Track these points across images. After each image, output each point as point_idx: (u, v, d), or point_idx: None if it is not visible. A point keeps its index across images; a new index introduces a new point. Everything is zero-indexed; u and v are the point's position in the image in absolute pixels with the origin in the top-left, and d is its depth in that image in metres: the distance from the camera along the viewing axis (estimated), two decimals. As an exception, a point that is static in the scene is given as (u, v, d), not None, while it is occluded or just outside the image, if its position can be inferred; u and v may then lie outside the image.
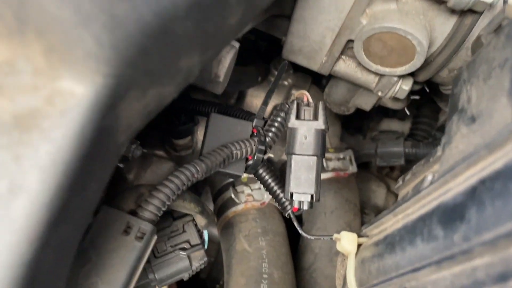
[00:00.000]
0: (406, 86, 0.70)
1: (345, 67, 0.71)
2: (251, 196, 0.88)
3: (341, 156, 1.00)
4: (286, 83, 0.99)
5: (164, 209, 0.55)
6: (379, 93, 0.72)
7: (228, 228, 0.87)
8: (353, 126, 1.22)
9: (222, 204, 0.90)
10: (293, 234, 0.89)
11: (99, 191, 0.36)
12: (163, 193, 0.54)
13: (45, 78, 0.30)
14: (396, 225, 0.45)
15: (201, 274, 1.18)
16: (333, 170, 0.98)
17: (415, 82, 0.71)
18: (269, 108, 1.01)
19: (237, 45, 0.63)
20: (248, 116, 0.71)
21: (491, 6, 0.55)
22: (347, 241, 0.51)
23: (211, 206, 0.96)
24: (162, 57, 0.33)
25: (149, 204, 0.54)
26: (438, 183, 0.38)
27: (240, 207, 0.87)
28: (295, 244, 0.98)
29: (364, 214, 1.12)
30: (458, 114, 0.42)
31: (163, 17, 0.30)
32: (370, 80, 0.72)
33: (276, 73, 0.96)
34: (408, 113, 0.93)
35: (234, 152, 0.62)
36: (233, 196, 0.87)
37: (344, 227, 0.95)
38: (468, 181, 0.34)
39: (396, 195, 1.23)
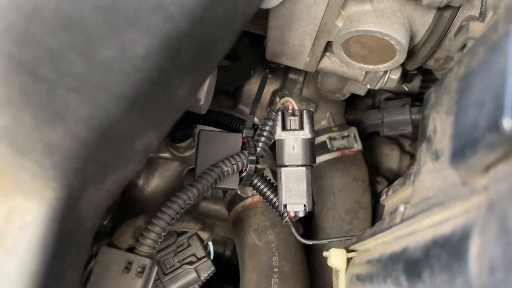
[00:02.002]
0: (394, 75, 0.68)
1: (330, 63, 0.70)
2: (257, 190, 0.90)
3: (345, 133, 1.00)
4: (282, 66, 0.97)
5: (161, 240, 0.57)
6: (368, 86, 0.70)
7: (238, 222, 0.90)
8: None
9: (231, 199, 0.92)
10: (304, 218, 0.91)
11: (78, 272, 0.39)
12: (158, 226, 0.57)
13: (0, 199, 0.31)
14: (376, 250, 0.46)
15: (226, 252, 1.23)
16: (338, 149, 0.98)
17: (404, 70, 0.69)
18: (268, 93, 1.00)
19: (214, 63, 0.62)
20: (239, 123, 0.71)
21: (468, 0, 0.52)
22: (336, 258, 0.53)
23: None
24: (112, 152, 0.34)
25: (146, 239, 0.56)
26: (405, 223, 0.39)
27: (247, 202, 0.89)
28: (308, 225, 1.01)
29: (376, 183, 1.13)
30: (426, 143, 0.42)
31: (100, 129, 0.31)
32: (358, 73, 0.70)
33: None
34: (406, 89, 0.91)
35: (225, 169, 0.63)
36: (239, 191, 0.89)
37: (353, 205, 0.97)
38: (426, 231, 0.34)
39: (411, 154, 1.22)
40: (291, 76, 0.97)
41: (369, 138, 1.14)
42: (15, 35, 0.25)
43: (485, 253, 0.26)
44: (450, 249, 0.29)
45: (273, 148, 0.95)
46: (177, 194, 0.59)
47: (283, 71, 0.98)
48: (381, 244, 0.46)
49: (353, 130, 1.00)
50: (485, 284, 0.25)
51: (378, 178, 1.16)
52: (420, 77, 1.16)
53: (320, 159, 0.97)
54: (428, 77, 1.12)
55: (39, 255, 0.32)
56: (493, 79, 0.25)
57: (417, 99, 1.14)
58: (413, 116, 1.05)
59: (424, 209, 0.36)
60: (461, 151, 0.28)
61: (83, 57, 0.28)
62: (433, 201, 0.35)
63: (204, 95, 0.61)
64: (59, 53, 0.27)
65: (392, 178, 1.15)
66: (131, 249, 0.57)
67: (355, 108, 1.20)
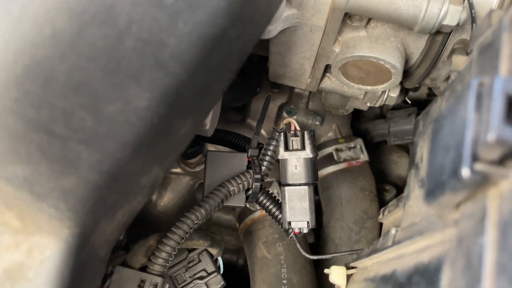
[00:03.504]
0: (393, 93, 0.71)
1: (331, 83, 0.73)
2: (265, 203, 0.93)
3: (352, 145, 1.02)
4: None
5: (171, 258, 0.61)
6: (368, 104, 0.73)
7: (248, 235, 0.93)
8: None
9: (240, 212, 0.96)
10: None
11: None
12: (168, 246, 0.60)
13: (22, 236, 0.35)
14: (371, 268, 0.49)
15: (239, 261, 1.26)
16: (345, 160, 1.01)
17: (403, 88, 0.72)
18: (275, 108, 1.03)
19: (219, 88, 0.66)
20: (244, 142, 0.74)
21: (458, 25, 0.55)
22: (336, 276, 0.56)
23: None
24: (120, 191, 0.38)
25: (158, 258, 0.60)
26: (395, 247, 0.42)
27: (256, 214, 0.92)
28: (317, 234, 1.03)
29: (384, 191, 1.15)
30: (415, 170, 0.44)
31: (108, 173, 0.34)
32: (357, 92, 0.73)
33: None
34: (409, 102, 0.93)
35: (232, 189, 0.66)
36: (248, 205, 0.93)
37: (361, 215, 0.99)
38: (411, 257, 0.37)
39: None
40: (297, 90, 1.00)
41: (377, 146, 1.16)
42: (32, 100, 0.29)
43: (453, 286, 0.28)
44: (427, 277, 0.32)
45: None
46: (186, 214, 0.63)
47: (289, 86, 1.01)
48: (376, 263, 0.48)
49: (359, 141, 1.03)
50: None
51: (386, 187, 1.18)
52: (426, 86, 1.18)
53: (327, 170, 1.00)
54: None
55: (58, 285, 0.35)
56: (456, 127, 0.28)
57: (425, 107, 1.15)
58: (419, 126, 1.06)
59: (411, 235, 0.39)
60: (432, 190, 0.31)
61: (92, 113, 0.31)
62: (417, 228, 0.38)
63: (209, 120, 0.65)
64: (71, 112, 0.30)
65: (401, 185, 1.17)
66: (143, 268, 0.60)
67: (363, 116, 1.22)
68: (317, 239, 1.04)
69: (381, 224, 1.02)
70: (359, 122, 1.20)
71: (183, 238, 0.61)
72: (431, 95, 1.17)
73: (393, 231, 0.45)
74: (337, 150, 1.02)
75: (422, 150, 0.43)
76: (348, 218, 0.98)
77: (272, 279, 0.84)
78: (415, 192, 0.43)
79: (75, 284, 0.37)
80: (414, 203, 0.43)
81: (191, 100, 0.38)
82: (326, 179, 1.00)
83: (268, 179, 0.87)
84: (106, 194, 0.36)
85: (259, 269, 0.87)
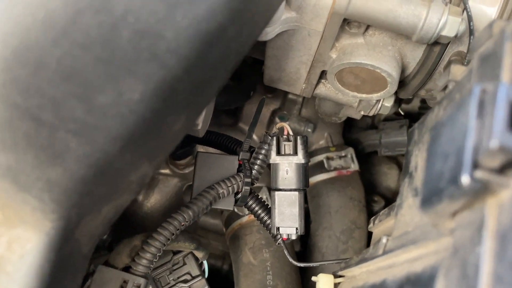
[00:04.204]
0: (388, 103, 0.71)
1: (325, 90, 0.72)
2: (253, 209, 0.92)
3: (343, 154, 1.02)
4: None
5: (156, 260, 0.60)
6: (362, 112, 0.73)
7: (235, 240, 0.92)
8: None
9: (228, 216, 0.94)
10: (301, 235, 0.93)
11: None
12: (153, 247, 0.59)
13: (3, 228, 0.34)
14: (360, 277, 0.48)
15: (224, 266, 1.24)
16: (335, 169, 1.00)
17: (397, 98, 0.72)
18: (268, 113, 1.03)
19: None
20: (236, 145, 0.73)
21: (456, 37, 0.55)
22: (323, 284, 0.55)
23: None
24: (108, 185, 0.37)
25: (142, 259, 0.58)
26: (386, 256, 0.41)
27: (244, 219, 0.91)
28: (304, 243, 1.02)
29: (373, 202, 1.14)
30: (408, 178, 0.44)
31: (96, 166, 0.33)
32: (352, 100, 0.72)
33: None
34: (402, 113, 0.93)
35: (221, 191, 0.65)
36: (236, 209, 0.92)
37: (349, 225, 0.98)
38: (403, 266, 0.36)
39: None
40: (291, 96, 1.00)
41: (367, 156, 1.16)
42: (20, 86, 0.27)
43: (447, 296, 0.28)
44: (420, 287, 0.31)
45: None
46: (172, 215, 0.61)
47: (283, 91, 1.00)
48: (365, 272, 0.48)
49: (350, 151, 1.02)
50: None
51: (375, 198, 1.17)
52: (419, 98, 1.18)
53: (317, 178, 0.99)
54: (427, 98, 1.14)
55: (38, 281, 0.34)
56: (456, 134, 0.28)
57: (416, 120, 1.15)
58: (410, 138, 1.06)
59: (403, 244, 0.38)
60: (428, 198, 0.30)
61: (82, 103, 0.30)
62: (410, 237, 0.37)
63: (202, 120, 0.64)
64: (61, 101, 0.29)
65: (390, 196, 1.17)
66: (127, 268, 0.59)
67: (354, 126, 1.22)
68: (303, 248, 1.03)
69: (369, 234, 1.02)
70: (350, 132, 1.19)
71: (169, 239, 0.60)
72: (423, 108, 1.17)
73: (384, 240, 0.44)
74: (328, 158, 1.01)
75: (417, 159, 0.43)
76: (336, 227, 0.98)
77: (257, 286, 0.83)
78: (408, 201, 0.42)
79: (55, 281, 0.36)
80: (406, 212, 0.42)
81: (185, 96, 0.37)
82: (316, 187, 0.99)
83: (258, 184, 0.87)
84: (92, 188, 0.34)
85: (244, 275, 0.86)
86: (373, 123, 1.24)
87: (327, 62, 0.64)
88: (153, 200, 0.97)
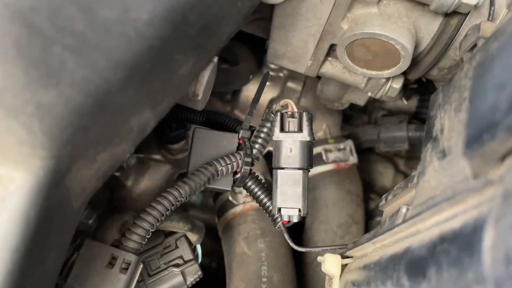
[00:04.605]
0: (396, 84, 0.68)
1: (332, 68, 0.69)
2: (249, 197, 0.87)
3: (341, 146, 0.99)
4: (281, 74, 0.96)
5: (148, 236, 0.55)
6: (369, 94, 0.69)
7: (228, 230, 0.87)
8: (358, 106, 1.19)
9: (221, 205, 0.90)
10: (295, 228, 0.89)
11: (60, 257, 0.36)
12: (146, 222, 0.54)
13: (-18, 165, 0.29)
14: (374, 254, 0.44)
15: (212, 264, 1.19)
16: (334, 161, 0.97)
17: (406, 80, 0.68)
18: (265, 101, 0.99)
19: (215, 59, 0.61)
20: (236, 124, 0.69)
21: (476, 7, 0.52)
22: (330, 264, 0.51)
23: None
24: (106, 125, 0.32)
25: (133, 234, 0.54)
26: (408, 223, 0.37)
27: (238, 209, 0.87)
28: (299, 237, 0.98)
29: (369, 199, 1.11)
30: (432, 143, 0.40)
31: (96, 95, 0.29)
32: (359, 80, 0.69)
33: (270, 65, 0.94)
34: (405, 102, 0.90)
35: (219, 169, 0.61)
36: (230, 198, 0.87)
37: (346, 219, 0.95)
38: (432, 230, 0.33)
39: (405, 174, 1.21)
40: (290, 85, 0.96)
41: (364, 155, 1.13)
42: (12, -20, 0.23)
43: (500, 244, 0.24)
44: (460, 243, 0.28)
45: (266, 156, 0.93)
46: (168, 190, 0.57)
47: (282, 80, 0.97)
48: (380, 247, 0.44)
49: (349, 143, 0.99)
50: (500, 275, 0.23)
51: (371, 195, 1.14)
52: (417, 97, 1.16)
53: (315, 170, 0.95)
54: (426, 96, 1.12)
55: (20, 229, 0.29)
56: (515, 60, 0.24)
57: (416, 119, 1.13)
58: (410, 134, 1.04)
59: (430, 207, 0.34)
60: (478, 137, 0.27)
61: (83, 14, 0.26)
62: (440, 198, 0.34)
63: (202, 90, 0.60)
64: (59, 6, 0.25)
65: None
66: (116, 245, 0.54)
67: (351, 124, 1.19)
68: (297, 243, 0.98)
69: (367, 231, 0.98)
70: (347, 129, 1.16)
71: (163, 215, 0.55)
72: (422, 107, 1.15)
73: (404, 210, 0.40)
74: (326, 150, 0.98)
75: (443, 121, 0.39)
76: (333, 221, 0.94)
77: (251, 277, 0.78)
78: (433, 165, 0.39)
79: (41, 235, 0.31)
80: (431, 177, 0.38)
81: (196, 30, 0.33)
82: (313, 180, 0.95)
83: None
84: (89, 123, 0.30)
85: (238, 265, 0.81)
86: (369, 121, 1.22)
87: (337, 34, 0.60)
88: (143, 186, 0.92)
